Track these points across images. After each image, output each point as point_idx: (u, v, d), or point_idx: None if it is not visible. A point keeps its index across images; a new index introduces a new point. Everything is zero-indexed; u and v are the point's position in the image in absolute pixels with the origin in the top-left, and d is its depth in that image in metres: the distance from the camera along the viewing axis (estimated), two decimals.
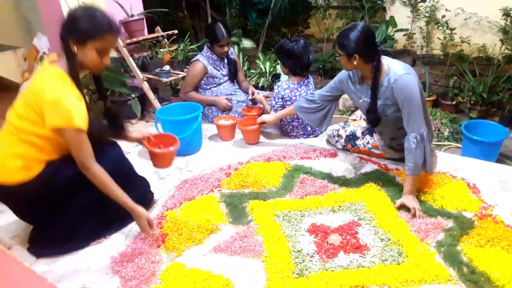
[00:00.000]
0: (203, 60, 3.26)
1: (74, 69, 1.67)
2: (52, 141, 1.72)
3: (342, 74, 2.46)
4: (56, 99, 1.57)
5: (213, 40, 3.20)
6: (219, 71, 3.36)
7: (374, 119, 2.30)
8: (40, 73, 1.68)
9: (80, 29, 1.63)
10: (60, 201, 1.82)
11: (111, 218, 2.00)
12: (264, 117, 2.85)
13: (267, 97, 3.40)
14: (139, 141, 2.16)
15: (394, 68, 2.12)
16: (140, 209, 1.79)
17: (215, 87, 3.39)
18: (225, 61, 3.39)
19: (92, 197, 1.82)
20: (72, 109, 1.59)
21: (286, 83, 2.90)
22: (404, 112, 2.11)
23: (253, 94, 3.30)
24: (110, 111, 1.98)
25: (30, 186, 1.73)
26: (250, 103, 3.36)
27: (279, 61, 2.97)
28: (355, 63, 2.15)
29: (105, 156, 1.85)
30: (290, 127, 3.02)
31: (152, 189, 2.35)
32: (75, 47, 1.64)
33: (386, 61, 2.17)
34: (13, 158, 1.71)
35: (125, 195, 1.77)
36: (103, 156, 1.80)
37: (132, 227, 2.06)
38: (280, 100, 2.92)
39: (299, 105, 2.68)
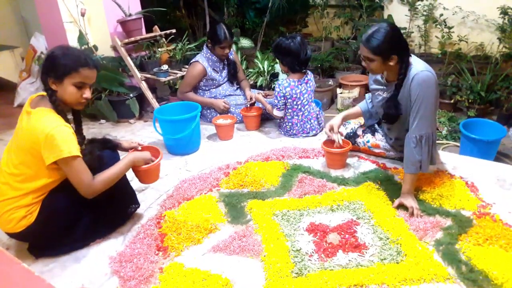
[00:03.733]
0: (203, 62, 3.25)
1: (58, 106, 1.72)
2: (52, 175, 1.75)
3: None
4: (48, 134, 1.61)
5: (214, 41, 3.17)
6: (218, 72, 3.34)
7: (392, 115, 2.19)
8: (28, 119, 1.70)
9: (56, 67, 1.68)
10: (65, 223, 1.86)
11: (110, 218, 2.00)
12: (332, 122, 2.54)
13: (268, 94, 3.39)
14: (127, 151, 2.15)
15: (416, 65, 2.06)
16: (131, 157, 1.95)
17: (214, 88, 3.38)
18: (225, 62, 3.38)
19: (91, 199, 1.81)
20: (64, 139, 1.63)
21: (286, 81, 2.90)
22: (413, 109, 2.05)
23: (251, 99, 3.27)
24: (93, 143, 2.00)
25: (33, 226, 1.77)
26: (249, 105, 3.35)
27: (277, 60, 2.95)
28: (391, 63, 2.05)
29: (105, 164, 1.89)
30: (290, 124, 3.02)
31: (150, 188, 2.35)
32: (54, 85, 1.70)
33: (411, 58, 2.11)
34: (16, 210, 1.74)
35: (121, 165, 1.87)
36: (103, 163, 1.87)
37: (131, 227, 2.06)
38: (282, 98, 2.92)
39: (366, 106, 2.57)
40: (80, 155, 1.68)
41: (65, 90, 1.70)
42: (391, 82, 2.21)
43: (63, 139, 1.63)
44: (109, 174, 1.80)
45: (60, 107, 1.72)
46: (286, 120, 3.04)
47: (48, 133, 1.61)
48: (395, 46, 2.03)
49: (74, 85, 1.70)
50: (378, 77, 2.29)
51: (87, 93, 1.76)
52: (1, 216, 1.76)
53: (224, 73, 3.40)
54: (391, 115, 2.21)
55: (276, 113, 2.99)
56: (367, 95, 2.61)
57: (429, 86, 2.02)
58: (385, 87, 2.28)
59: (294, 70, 2.91)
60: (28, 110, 1.72)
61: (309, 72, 3.01)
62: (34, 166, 1.69)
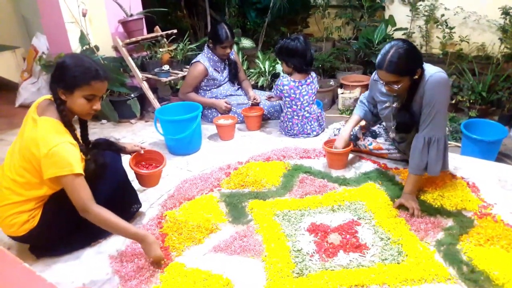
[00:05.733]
0: (204, 62, 3.25)
1: (65, 116, 1.69)
2: (54, 187, 1.74)
3: (371, 81, 2.38)
4: (51, 150, 1.59)
5: (216, 41, 3.18)
6: (219, 72, 3.35)
7: (408, 124, 2.13)
8: (33, 127, 1.68)
9: (67, 79, 1.64)
10: (67, 226, 1.86)
11: None
12: (336, 144, 2.50)
13: (271, 97, 3.38)
14: (131, 154, 2.16)
15: (428, 68, 2.01)
16: (151, 236, 1.77)
17: (215, 88, 3.39)
18: (226, 62, 3.39)
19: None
20: (67, 156, 1.61)
21: (287, 80, 2.90)
22: (426, 111, 1.99)
23: (255, 99, 3.29)
24: (98, 146, 1.99)
25: (36, 230, 1.77)
26: (250, 104, 3.35)
27: (280, 62, 2.96)
28: (416, 77, 1.97)
29: (107, 168, 1.90)
30: (290, 123, 3.02)
31: (152, 188, 2.35)
32: (63, 96, 1.67)
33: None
34: (19, 215, 1.74)
35: (131, 227, 1.77)
36: (104, 166, 1.87)
37: None
38: (279, 92, 2.95)
39: (364, 112, 2.53)
40: (82, 172, 1.65)
41: (75, 102, 1.67)
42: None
43: (65, 157, 1.60)
44: (112, 220, 1.68)
45: (67, 117, 1.70)
46: (286, 120, 3.04)
47: (50, 150, 1.58)
48: (417, 59, 1.95)
49: (84, 97, 1.67)
50: (383, 88, 2.17)
51: (97, 105, 1.72)
52: (3, 220, 1.76)
53: (225, 73, 3.40)
54: (406, 125, 2.14)
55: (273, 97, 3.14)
56: (362, 97, 2.57)
57: (444, 87, 1.98)
58: (392, 98, 2.20)
59: (301, 70, 2.90)
60: (34, 117, 1.69)
61: (313, 74, 3.01)
62: (36, 174, 1.68)
